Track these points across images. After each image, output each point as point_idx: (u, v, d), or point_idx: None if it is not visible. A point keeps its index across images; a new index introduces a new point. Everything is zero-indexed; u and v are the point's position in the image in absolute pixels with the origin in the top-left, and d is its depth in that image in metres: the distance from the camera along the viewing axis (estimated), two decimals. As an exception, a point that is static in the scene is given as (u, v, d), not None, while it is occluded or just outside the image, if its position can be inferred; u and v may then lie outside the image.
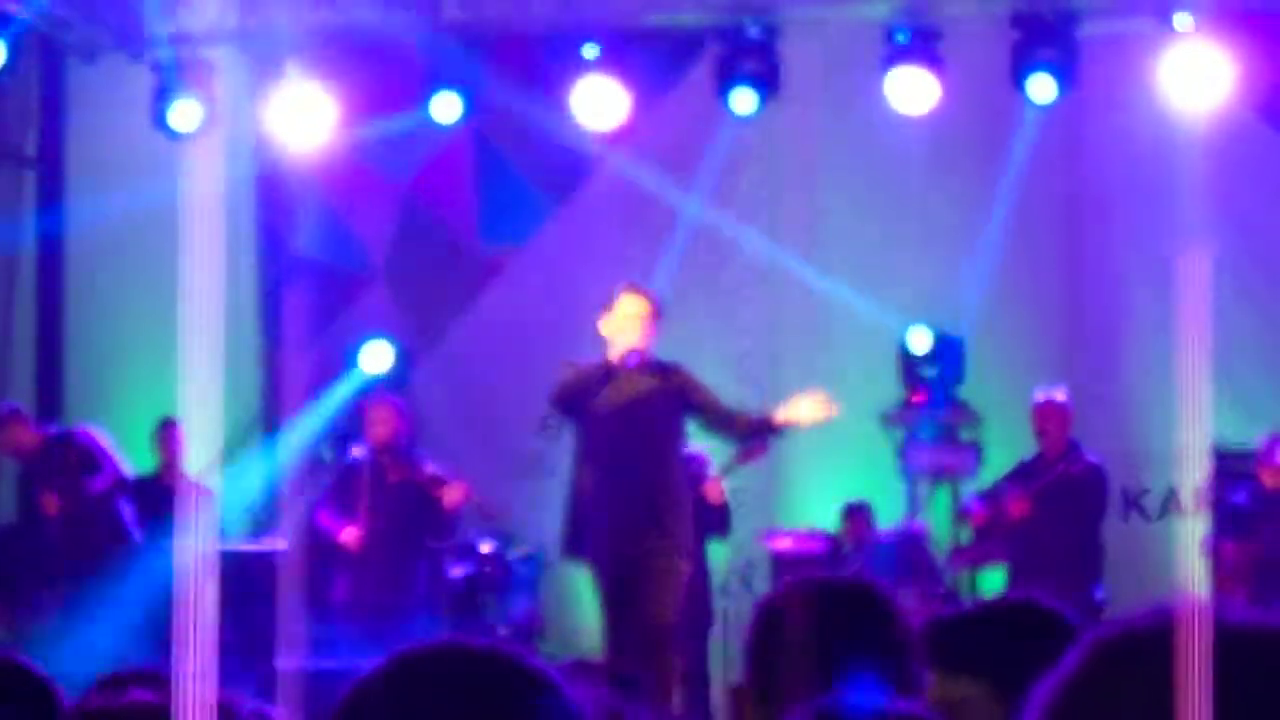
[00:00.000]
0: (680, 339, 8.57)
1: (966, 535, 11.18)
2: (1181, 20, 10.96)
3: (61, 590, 10.18)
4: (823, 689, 2.63)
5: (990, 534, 10.36)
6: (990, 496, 10.54)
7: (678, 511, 8.30)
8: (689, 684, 10.01)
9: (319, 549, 10.12)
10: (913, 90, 11.30)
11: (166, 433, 11.19)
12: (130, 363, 12.65)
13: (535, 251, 12.81)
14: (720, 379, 9.97)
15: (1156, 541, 11.65)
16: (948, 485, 11.38)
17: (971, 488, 11.26)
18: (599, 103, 11.69)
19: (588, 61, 11.67)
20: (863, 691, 2.53)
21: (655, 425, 8.24)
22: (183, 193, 12.66)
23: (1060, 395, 10.37)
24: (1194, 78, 10.99)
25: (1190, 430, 11.15)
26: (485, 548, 11.13)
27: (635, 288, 8.35)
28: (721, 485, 10.64)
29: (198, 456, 11.76)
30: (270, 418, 12.81)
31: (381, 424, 9.85)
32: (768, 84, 11.49)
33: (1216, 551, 10.37)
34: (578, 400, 8.19)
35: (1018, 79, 11.24)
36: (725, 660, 10.96)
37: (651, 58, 12.29)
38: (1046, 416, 10.32)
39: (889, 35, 11.38)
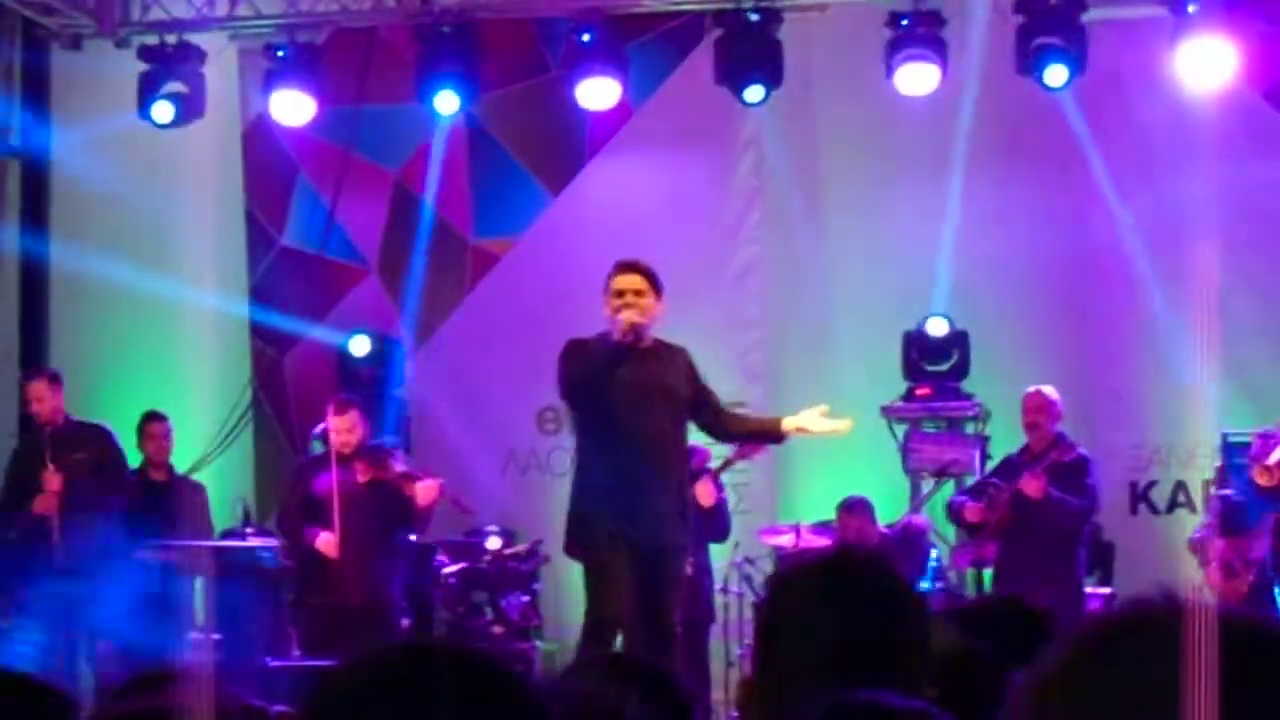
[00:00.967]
0: (682, 332, 8.30)
1: (952, 532, 10.99)
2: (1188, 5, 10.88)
3: (52, 588, 9.95)
4: (835, 678, 2.54)
5: (988, 529, 10.14)
6: (977, 492, 10.33)
7: (689, 501, 8.05)
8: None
9: (296, 551, 9.97)
10: (917, 75, 11.16)
11: (151, 428, 10.94)
12: (117, 355, 12.46)
13: (531, 243, 12.62)
14: (723, 373, 9.79)
15: (1165, 535, 11.52)
16: (951, 480, 11.19)
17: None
18: (596, 90, 11.49)
19: (584, 48, 11.47)
20: (872, 688, 2.44)
21: (677, 407, 7.80)
22: (169, 181, 12.53)
23: (1049, 390, 10.21)
24: (1200, 62, 10.92)
25: (1199, 423, 11.01)
26: (493, 544, 10.98)
27: (629, 263, 7.84)
28: (710, 486, 10.39)
29: (187, 451, 11.58)
30: (260, 412, 12.63)
31: (347, 431, 9.67)
32: (769, 70, 11.29)
33: (1203, 545, 10.24)
34: (590, 385, 7.67)
35: (1023, 65, 11.09)
36: (725, 660, 10.78)
37: (649, 44, 12.12)
38: (1038, 410, 10.15)
39: (894, 19, 11.21)
